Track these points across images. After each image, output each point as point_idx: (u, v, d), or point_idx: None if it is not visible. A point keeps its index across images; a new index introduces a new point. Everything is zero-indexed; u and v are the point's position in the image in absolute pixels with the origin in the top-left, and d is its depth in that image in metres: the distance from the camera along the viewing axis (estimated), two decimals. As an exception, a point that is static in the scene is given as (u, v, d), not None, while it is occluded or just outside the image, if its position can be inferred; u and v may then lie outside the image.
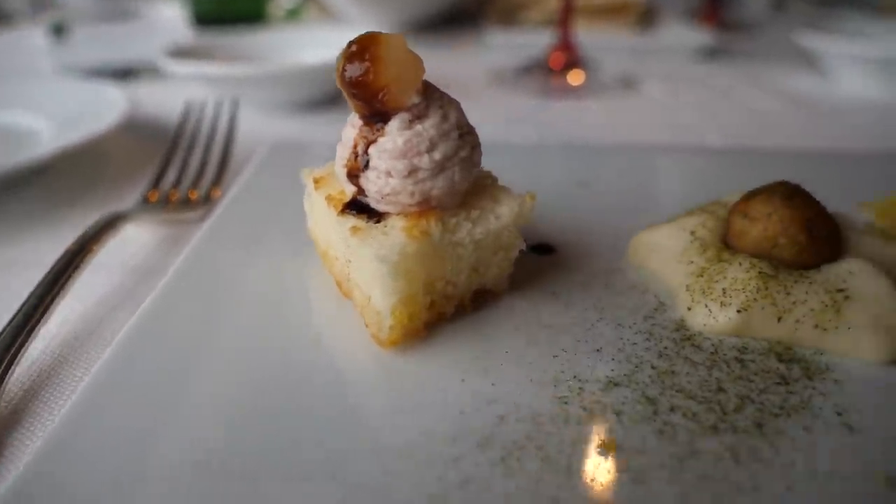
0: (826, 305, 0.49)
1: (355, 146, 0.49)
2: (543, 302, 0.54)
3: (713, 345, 0.49)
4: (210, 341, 0.49)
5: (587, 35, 1.52)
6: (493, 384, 0.45)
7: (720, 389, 0.45)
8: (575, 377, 0.46)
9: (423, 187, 0.47)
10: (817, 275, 0.51)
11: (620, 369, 0.47)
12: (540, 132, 1.03)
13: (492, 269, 0.52)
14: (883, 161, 0.81)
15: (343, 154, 0.50)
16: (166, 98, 1.14)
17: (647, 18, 1.65)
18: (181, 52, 1.07)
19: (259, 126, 1.04)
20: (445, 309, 0.50)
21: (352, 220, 0.48)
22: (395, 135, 0.47)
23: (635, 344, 0.49)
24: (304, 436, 0.41)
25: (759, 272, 0.51)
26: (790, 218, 0.52)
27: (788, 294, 0.49)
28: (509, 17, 1.64)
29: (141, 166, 0.90)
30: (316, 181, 0.55)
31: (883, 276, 0.50)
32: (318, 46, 1.19)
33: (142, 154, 0.94)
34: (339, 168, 0.50)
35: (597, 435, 0.41)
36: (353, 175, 0.49)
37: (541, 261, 0.60)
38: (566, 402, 0.44)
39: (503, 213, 0.50)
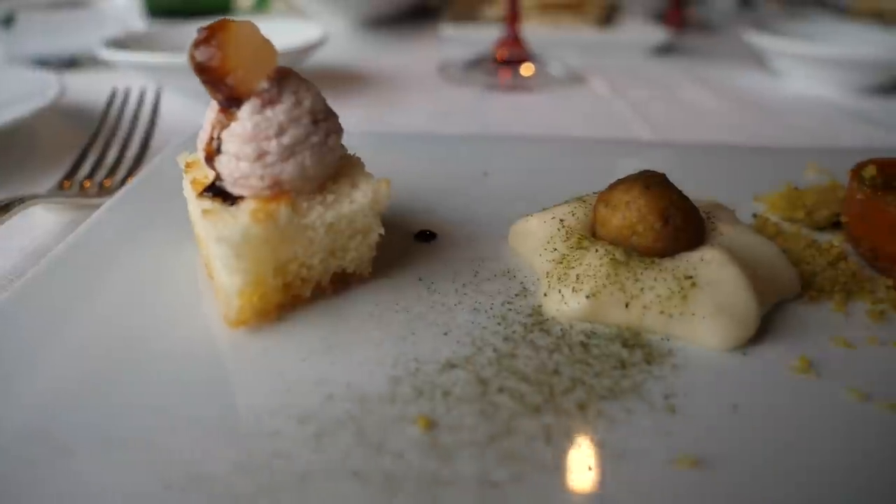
0: (673, 292, 0.49)
1: (212, 130, 0.50)
2: (407, 287, 0.55)
3: (562, 330, 0.50)
4: (71, 318, 0.50)
5: (544, 30, 1.53)
6: (331, 364, 0.46)
7: (555, 372, 0.46)
8: (415, 359, 0.47)
9: (272, 171, 0.48)
10: (670, 262, 0.51)
11: (462, 352, 0.48)
12: (476, 124, 1.04)
13: (350, 253, 0.53)
14: (786, 154, 0.81)
15: (203, 138, 0.51)
16: (106, 87, 1.15)
17: (608, 15, 1.65)
18: (123, 42, 1.08)
19: (195, 115, 1.05)
20: (301, 291, 0.51)
21: (207, 203, 0.49)
22: (245, 119, 0.48)
23: (485, 328, 0.50)
24: (127, 409, 0.42)
25: (611, 259, 0.51)
26: (647, 206, 0.53)
27: (637, 280, 0.50)
28: (470, 13, 1.64)
29: (70, 153, 0.91)
30: (188, 165, 0.55)
31: (734, 265, 0.51)
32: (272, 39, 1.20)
33: (72, 141, 0.95)
34: (200, 152, 0.51)
35: (418, 414, 0.42)
36: (210, 159, 0.50)
37: (420, 247, 0.61)
38: (398, 383, 0.45)
39: (358, 198, 0.51)
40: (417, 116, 1.07)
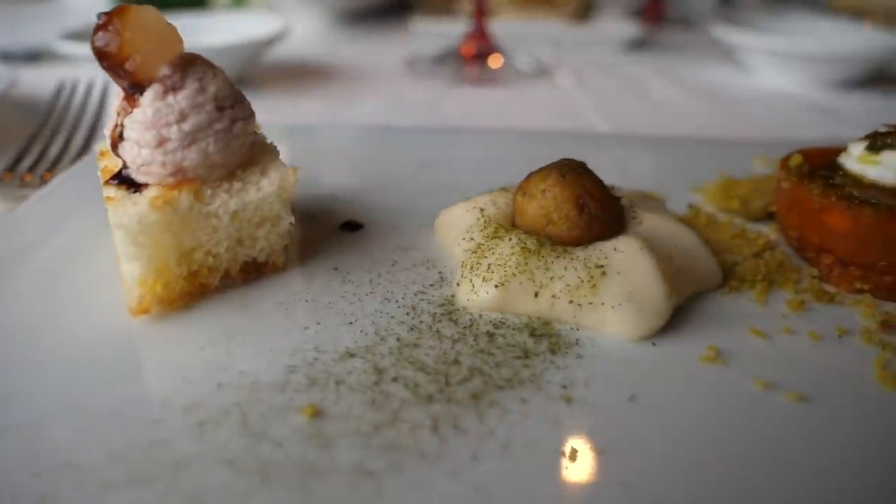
0: (582, 281, 0.49)
1: (117, 117, 0.49)
2: (322, 276, 0.54)
3: (471, 319, 0.49)
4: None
5: (517, 25, 1.52)
6: (228, 353, 0.46)
7: (455, 362, 0.45)
8: (315, 348, 0.46)
9: (173, 158, 0.47)
10: (582, 251, 0.51)
11: (364, 341, 0.47)
12: (435, 117, 1.03)
13: (260, 242, 0.52)
14: (735, 147, 0.80)
15: (108, 125, 0.50)
16: (64, 80, 1.14)
17: (584, 10, 1.64)
18: (82, 35, 1.08)
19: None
20: (209, 280, 0.51)
21: (112, 191, 0.49)
22: (146, 106, 0.47)
23: (393, 317, 0.49)
24: (12, 397, 0.41)
25: (522, 248, 0.50)
26: (562, 195, 0.52)
27: (547, 270, 0.49)
28: (445, 7, 1.63)
29: (15, 145, 0.91)
30: (101, 153, 0.55)
31: (647, 255, 0.50)
32: (232, 31, 1.19)
33: (20, 133, 0.95)
34: (107, 139, 0.51)
35: (306, 403, 0.41)
36: (115, 146, 0.49)
37: (344, 237, 0.60)
38: (293, 372, 0.44)
39: (265, 186, 0.50)
40: (377, 110, 1.06)
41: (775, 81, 1.25)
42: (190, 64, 0.49)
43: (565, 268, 0.49)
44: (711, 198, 0.67)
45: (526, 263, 0.49)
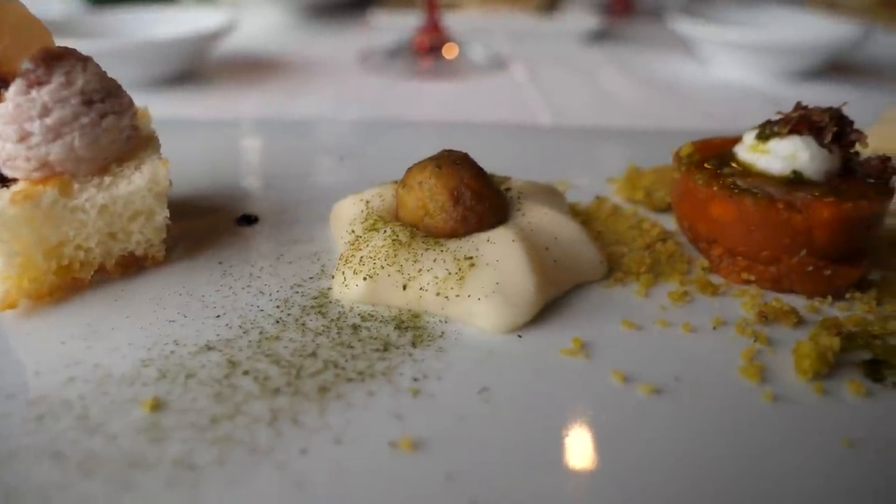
0: (450, 273, 0.48)
1: (-14, 112, 0.49)
2: (202, 270, 0.54)
3: (340, 312, 0.49)
4: None
5: (478, 18, 1.51)
6: (88, 347, 0.45)
7: (312, 355, 0.45)
8: (175, 342, 0.46)
9: (37, 153, 0.47)
10: (455, 243, 0.50)
11: (226, 335, 0.47)
12: (378, 111, 1.02)
13: (135, 236, 0.52)
14: (661, 137, 0.80)
15: (-20, 120, 0.50)
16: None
17: (551, 3, 1.62)
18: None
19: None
20: (82, 274, 0.51)
21: (-18, 186, 0.49)
22: (9, 100, 0.47)
23: (262, 311, 0.49)
24: None
25: (393, 240, 0.50)
26: (438, 187, 0.51)
27: (416, 262, 0.49)
28: (407, 0, 1.63)
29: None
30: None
31: (520, 246, 0.49)
32: (181, 26, 1.19)
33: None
34: (-20, 134, 0.51)
35: (151, 396, 0.41)
36: (-16, 141, 0.49)
37: (237, 230, 0.60)
38: (146, 366, 0.44)
39: (135, 180, 0.50)
40: (321, 104, 1.05)
41: (732, 73, 1.24)
42: (58, 58, 0.49)
43: (434, 260, 0.49)
44: (620, 189, 0.67)
45: (395, 256, 0.49)
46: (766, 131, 0.55)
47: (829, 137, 0.53)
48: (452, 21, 1.48)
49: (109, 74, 0.50)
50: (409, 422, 0.40)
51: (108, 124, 0.50)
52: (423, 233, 0.52)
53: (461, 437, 0.39)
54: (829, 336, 0.45)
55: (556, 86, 1.18)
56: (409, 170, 0.54)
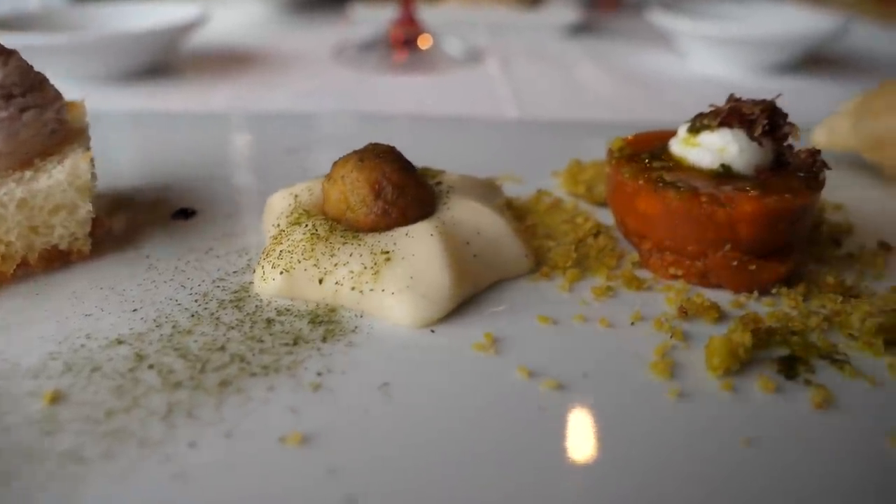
0: (365, 268, 0.48)
1: None
2: (128, 264, 0.54)
3: (257, 306, 0.49)
4: None
5: (459, 11, 1.50)
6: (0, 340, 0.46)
7: (221, 349, 0.45)
8: (87, 335, 0.46)
9: (-46, 146, 0.48)
10: (373, 237, 0.50)
11: (139, 328, 0.47)
12: (346, 104, 1.02)
13: (58, 230, 0.52)
14: (614, 130, 0.79)
15: None
16: None
17: (535, -4, 1.61)
18: (7, 23, 1.09)
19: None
20: (3, 268, 0.51)
21: None
22: (-73, 94, 0.47)
23: (179, 304, 0.49)
24: None
25: (312, 234, 0.50)
26: (359, 180, 0.51)
27: (333, 256, 0.49)
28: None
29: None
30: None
31: (438, 240, 0.49)
32: (153, 19, 1.19)
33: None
34: None
35: (53, 388, 0.41)
36: None
37: (174, 224, 0.60)
38: (54, 359, 0.44)
39: (55, 174, 0.50)
40: (291, 98, 1.05)
41: (710, 67, 1.22)
42: (-23, 52, 0.49)
43: (350, 254, 0.48)
44: (563, 182, 0.66)
45: (312, 250, 0.49)
46: (697, 124, 0.54)
47: (759, 130, 0.52)
48: (434, 14, 1.47)
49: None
50: (303, 417, 0.40)
51: (28, 118, 0.50)
52: (346, 227, 0.52)
53: (351, 433, 0.38)
54: (743, 332, 0.45)
55: (528, 79, 1.17)
56: (335, 163, 0.53)
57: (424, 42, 1.25)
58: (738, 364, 0.44)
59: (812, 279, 0.53)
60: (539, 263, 0.54)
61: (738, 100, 0.54)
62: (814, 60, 1.24)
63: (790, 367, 0.44)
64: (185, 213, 0.61)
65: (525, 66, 1.24)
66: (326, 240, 0.49)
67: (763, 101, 0.54)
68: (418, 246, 0.49)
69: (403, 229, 0.50)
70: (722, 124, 0.53)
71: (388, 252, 0.48)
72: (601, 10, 1.72)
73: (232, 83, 1.11)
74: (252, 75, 1.16)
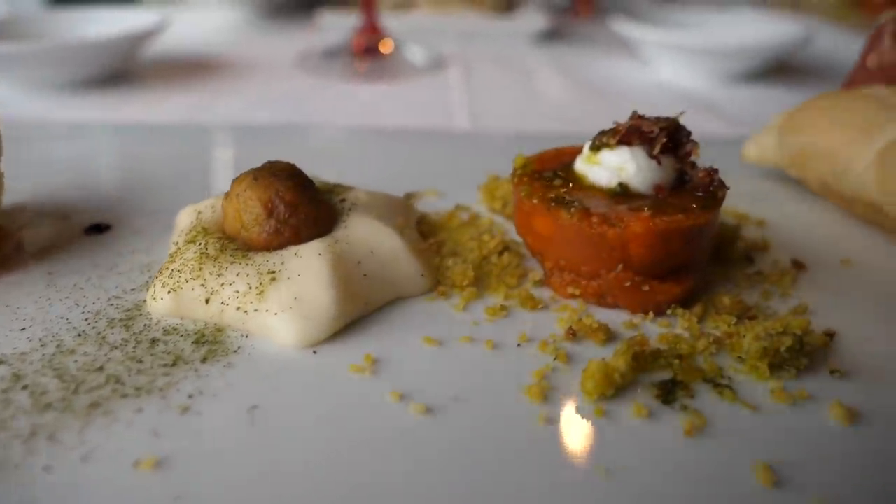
0: (250, 288, 0.48)
1: None
2: (28, 281, 0.54)
3: (146, 325, 0.49)
4: None
5: (429, 19, 1.50)
6: None
7: (100, 369, 0.45)
8: (-30, 355, 0.46)
9: None
10: (263, 257, 0.50)
11: (23, 347, 0.47)
12: (299, 114, 1.02)
13: (-45, 248, 0.52)
14: (566, 142, 0.78)
15: None
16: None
17: (507, 3, 1.61)
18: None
19: (25, 106, 1.05)
20: None
21: None
22: None
23: (69, 323, 0.49)
24: None
25: (202, 253, 0.50)
26: (252, 199, 0.51)
27: (220, 276, 0.49)
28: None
29: None
30: None
31: (325, 260, 0.49)
32: (114, 26, 1.19)
33: None
34: None
35: (-79, 410, 0.42)
36: None
37: (86, 240, 0.60)
38: (-72, 379, 0.44)
39: (-51, 192, 0.51)
40: (244, 107, 1.05)
41: (674, 76, 1.22)
42: None
43: (237, 274, 0.48)
44: (483, 197, 0.66)
45: (200, 269, 0.49)
46: (597, 142, 0.53)
47: (657, 149, 0.52)
48: (403, 22, 1.47)
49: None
50: (163, 440, 0.40)
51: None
52: (241, 245, 0.52)
53: (207, 458, 0.38)
54: (623, 356, 0.44)
55: (488, 89, 1.17)
56: (233, 180, 0.53)
57: (387, 50, 1.25)
58: (614, 389, 0.43)
59: (711, 300, 0.52)
60: (438, 282, 0.53)
61: (641, 117, 0.54)
62: (779, 68, 1.23)
63: (669, 392, 0.44)
64: (99, 228, 0.61)
65: (487, 74, 1.24)
66: (216, 259, 0.49)
67: (666, 119, 0.53)
68: (305, 266, 0.48)
69: (294, 249, 0.50)
70: (621, 142, 0.52)
71: (274, 272, 0.48)
72: (575, 17, 1.71)
73: (188, 92, 1.11)
74: (211, 84, 1.16)
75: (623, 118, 0.55)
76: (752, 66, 1.17)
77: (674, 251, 0.49)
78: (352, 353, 0.46)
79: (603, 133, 0.54)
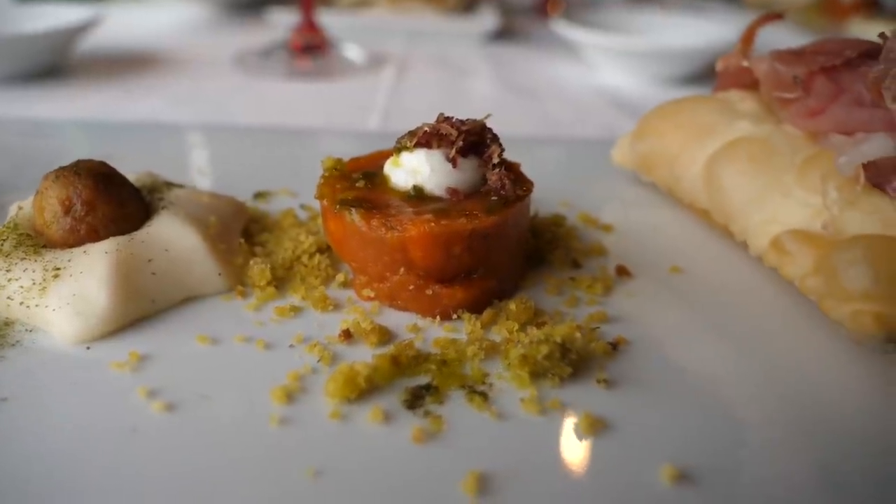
0: (34, 283, 0.49)
1: None
2: None
3: None
4: None
5: (376, 19, 1.50)
6: None
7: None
8: None
9: None
10: (53, 254, 0.51)
11: None
12: (219, 113, 1.03)
13: None
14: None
15: None
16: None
17: (467, 3, 1.60)
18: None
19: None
20: None
21: None
22: None
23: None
24: None
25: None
26: (51, 196, 0.52)
27: (9, 271, 0.50)
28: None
29: None
30: None
31: (109, 259, 0.49)
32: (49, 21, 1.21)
33: None
34: None
35: None
36: None
37: None
38: None
39: None
40: (163, 106, 1.06)
41: (616, 78, 1.20)
42: None
43: (25, 270, 0.50)
44: (326, 198, 0.66)
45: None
46: (399, 144, 0.53)
47: (453, 151, 0.51)
48: (356, 19, 1.48)
49: None
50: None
51: None
52: (46, 242, 0.53)
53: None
54: (380, 359, 0.44)
55: (416, 88, 1.16)
56: (42, 177, 0.54)
57: (323, 49, 1.26)
58: (357, 392, 0.43)
59: (505, 305, 0.52)
60: (239, 282, 0.54)
61: (447, 119, 0.53)
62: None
63: (417, 398, 0.44)
64: None
65: (421, 74, 1.24)
66: (8, 255, 0.50)
67: (469, 122, 0.53)
68: (88, 264, 0.49)
69: (84, 247, 0.51)
70: (419, 144, 0.52)
71: (59, 269, 0.49)
72: (544, 16, 1.70)
73: (114, 88, 1.12)
74: (144, 80, 1.17)
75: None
76: (690, 69, 1.15)
77: (458, 255, 0.49)
78: (121, 350, 0.47)
79: (407, 135, 0.54)
